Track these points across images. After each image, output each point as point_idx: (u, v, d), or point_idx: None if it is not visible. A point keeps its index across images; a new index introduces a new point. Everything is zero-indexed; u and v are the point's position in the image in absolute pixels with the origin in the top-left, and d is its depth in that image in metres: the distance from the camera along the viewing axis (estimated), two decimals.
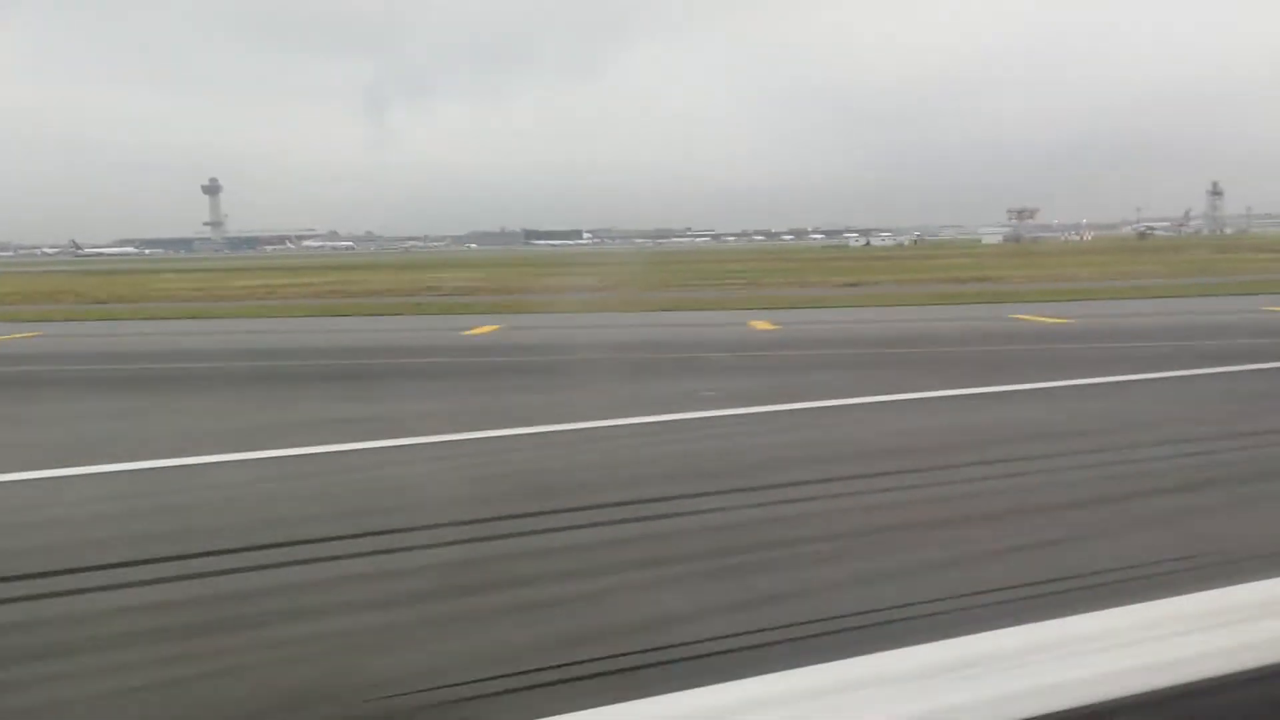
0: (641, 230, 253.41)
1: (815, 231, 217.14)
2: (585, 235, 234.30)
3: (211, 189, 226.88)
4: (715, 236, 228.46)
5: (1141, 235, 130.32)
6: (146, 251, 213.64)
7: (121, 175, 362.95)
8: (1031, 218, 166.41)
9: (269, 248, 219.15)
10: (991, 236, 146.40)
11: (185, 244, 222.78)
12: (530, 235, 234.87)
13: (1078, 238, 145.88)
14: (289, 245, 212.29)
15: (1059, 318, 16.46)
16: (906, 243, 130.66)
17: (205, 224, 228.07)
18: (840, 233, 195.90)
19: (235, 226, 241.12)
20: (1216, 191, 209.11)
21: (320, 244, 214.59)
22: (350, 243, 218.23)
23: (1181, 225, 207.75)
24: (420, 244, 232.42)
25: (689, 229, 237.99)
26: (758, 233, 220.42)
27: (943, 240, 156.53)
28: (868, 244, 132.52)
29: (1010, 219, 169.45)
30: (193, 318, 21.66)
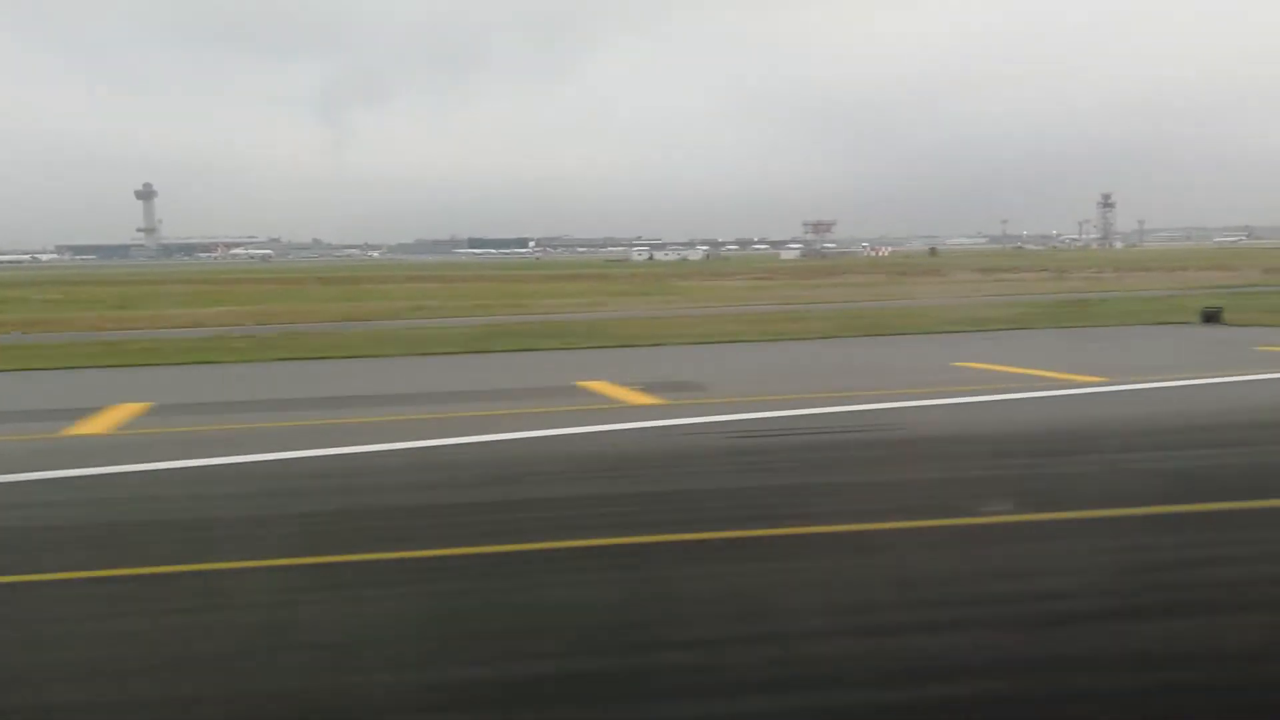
0: (589, 240, 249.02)
1: (729, 243, 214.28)
2: (531, 244, 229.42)
3: (145, 194, 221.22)
4: (656, 247, 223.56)
5: (932, 251, 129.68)
6: (78, 259, 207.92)
7: (55, 180, 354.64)
8: (828, 230, 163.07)
9: (202, 255, 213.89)
10: (790, 251, 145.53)
11: (121, 251, 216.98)
12: (475, 243, 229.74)
13: (873, 253, 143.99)
14: (216, 254, 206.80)
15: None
16: (693, 258, 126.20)
17: (139, 230, 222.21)
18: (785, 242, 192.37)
19: (175, 233, 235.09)
20: (1108, 204, 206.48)
21: (243, 252, 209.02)
22: (269, 251, 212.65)
23: (1067, 239, 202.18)
24: (359, 251, 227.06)
25: (639, 238, 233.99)
26: (702, 243, 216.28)
27: (729, 257, 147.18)
28: (650, 258, 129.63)
29: (806, 232, 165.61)
30: None
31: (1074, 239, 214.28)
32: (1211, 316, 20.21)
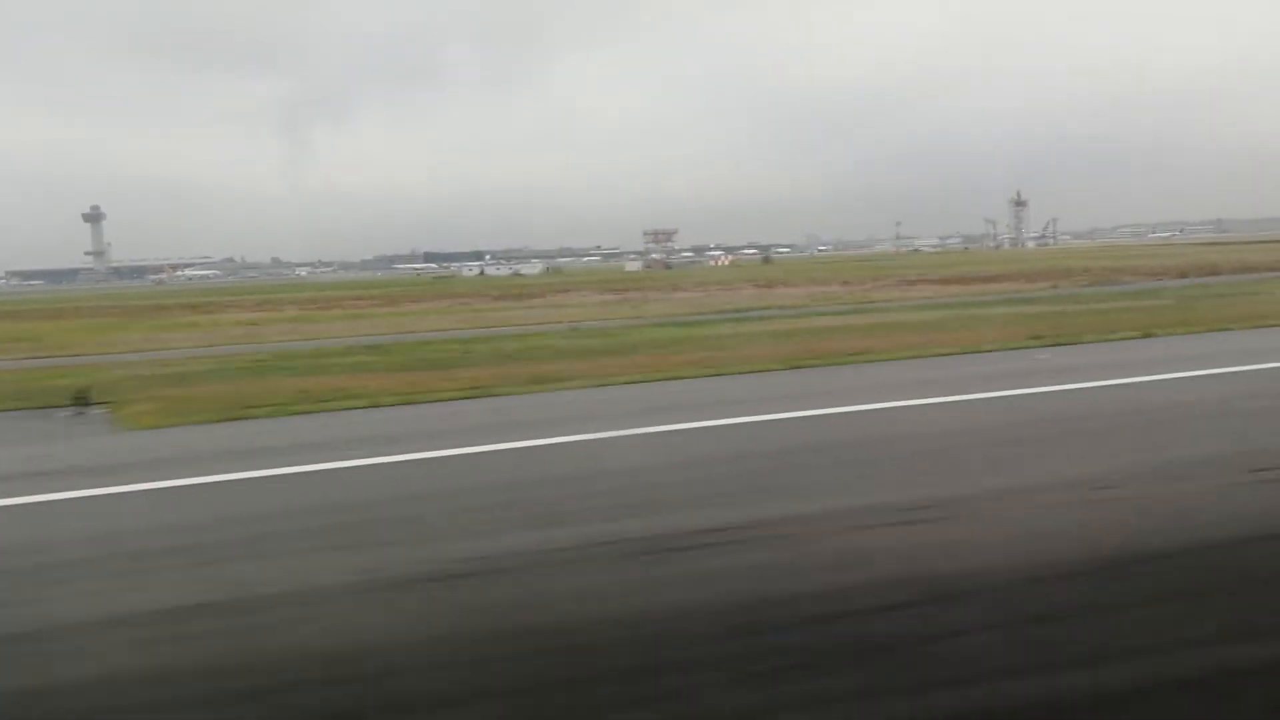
0: (545, 251, 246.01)
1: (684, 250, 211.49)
2: (487, 257, 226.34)
3: (93, 217, 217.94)
4: (607, 256, 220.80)
5: (767, 259, 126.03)
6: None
7: (2, 203, 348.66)
8: (669, 240, 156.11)
9: (152, 277, 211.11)
10: (634, 263, 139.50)
11: (70, 275, 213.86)
12: (430, 258, 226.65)
13: (714, 263, 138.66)
14: (163, 276, 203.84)
15: None
16: (526, 271, 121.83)
17: (87, 254, 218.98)
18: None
19: (131, 254, 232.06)
20: (1020, 202, 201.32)
21: (188, 274, 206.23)
22: (217, 271, 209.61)
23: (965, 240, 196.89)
24: (309, 270, 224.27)
25: (598, 247, 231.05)
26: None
27: (563, 270, 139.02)
28: (481, 273, 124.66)
29: (647, 242, 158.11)
30: None
31: (985, 237, 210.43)
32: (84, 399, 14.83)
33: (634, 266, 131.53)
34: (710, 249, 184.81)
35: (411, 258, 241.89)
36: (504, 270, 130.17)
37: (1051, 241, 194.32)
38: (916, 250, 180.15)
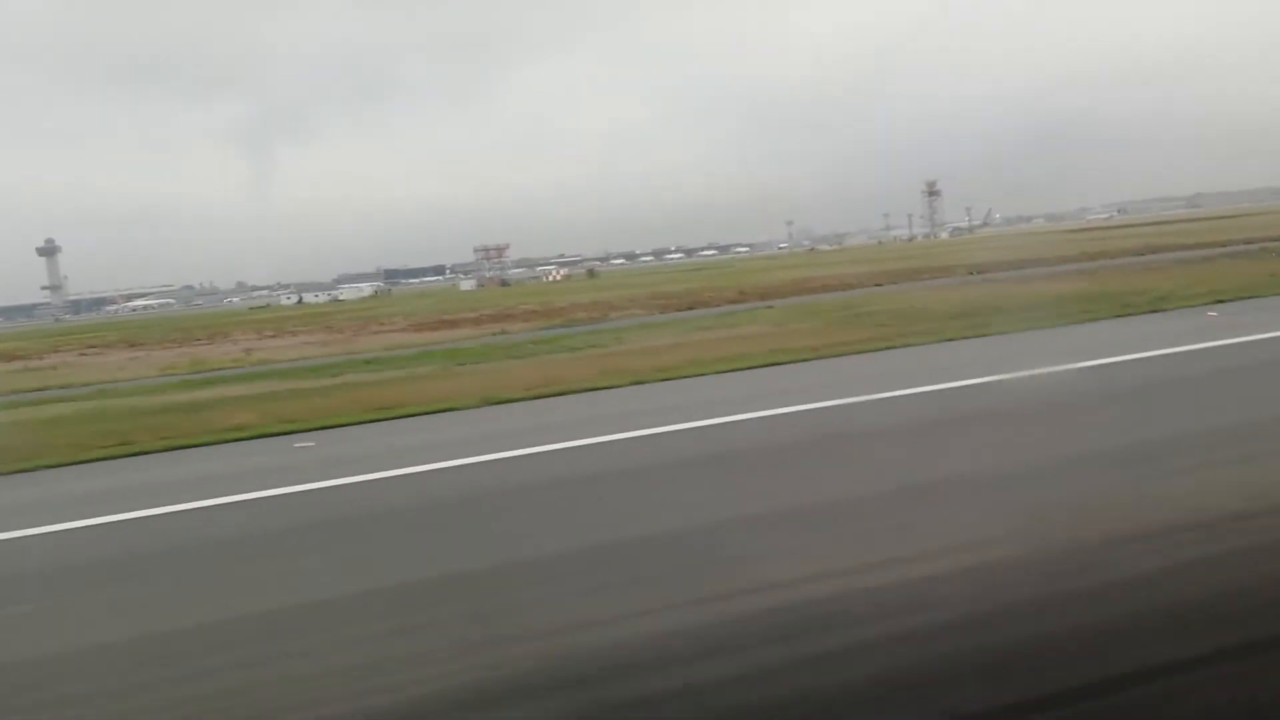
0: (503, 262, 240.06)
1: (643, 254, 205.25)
2: (447, 272, 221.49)
3: (47, 251, 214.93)
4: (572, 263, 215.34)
5: (591, 273, 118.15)
6: None
7: None
8: (500, 255, 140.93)
9: (108, 309, 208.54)
10: (468, 282, 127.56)
11: (25, 311, 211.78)
12: (390, 275, 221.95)
13: (547, 278, 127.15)
14: (117, 307, 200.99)
15: None
16: (345, 298, 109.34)
17: (43, 288, 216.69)
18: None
19: (86, 287, 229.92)
20: (933, 192, 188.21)
21: (144, 304, 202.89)
22: (172, 300, 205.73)
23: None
24: (267, 293, 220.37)
25: (561, 255, 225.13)
26: (618, 256, 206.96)
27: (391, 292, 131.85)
28: (300, 301, 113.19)
29: (478, 257, 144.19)
30: None
31: (900, 231, 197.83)
32: None
33: (469, 285, 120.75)
34: (549, 261, 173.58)
35: (375, 275, 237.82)
36: (320, 297, 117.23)
37: (968, 233, 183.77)
38: (813, 249, 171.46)
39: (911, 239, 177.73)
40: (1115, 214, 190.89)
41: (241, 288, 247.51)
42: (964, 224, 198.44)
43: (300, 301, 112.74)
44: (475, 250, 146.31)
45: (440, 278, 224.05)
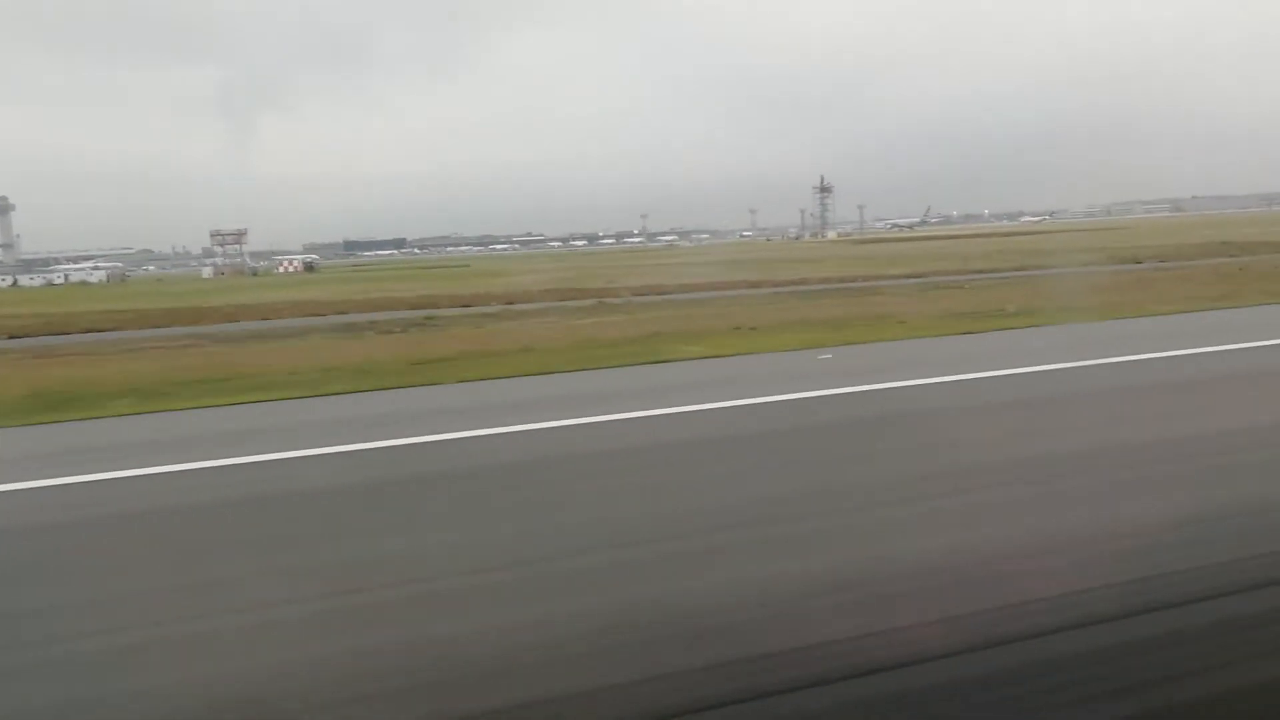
0: (468, 239, 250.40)
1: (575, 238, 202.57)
2: (408, 246, 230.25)
3: (1, 208, 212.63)
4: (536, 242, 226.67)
5: (310, 267, 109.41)
6: None
7: None
8: (238, 242, 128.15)
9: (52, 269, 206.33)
10: (208, 268, 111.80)
11: None
12: (350, 246, 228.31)
13: (281, 269, 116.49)
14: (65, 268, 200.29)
15: None
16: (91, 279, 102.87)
17: None
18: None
19: (43, 247, 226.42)
20: (825, 188, 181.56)
21: (82, 268, 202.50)
22: (118, 264, 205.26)
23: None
24: (217, 263, 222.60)
25: (529, 234, 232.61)
26: (579, 237, 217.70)
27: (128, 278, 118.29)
28: (14, 284, 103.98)
29: (215, 244, 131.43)
30: None
31: (791, 229, 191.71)
32: None
33: (208, 272, 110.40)
34: (285, 252, 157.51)
35: (336, 247, 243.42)
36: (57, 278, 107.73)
37: (907, 230, 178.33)
38: (671, 245, 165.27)
39: (798, 237, 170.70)
40: (1047, 217, 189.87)
41: (207, 254, 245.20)
42: (903, 221, 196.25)
43: (15, 284, 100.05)
44: (211, 235, 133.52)
45: (396, 252, 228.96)
